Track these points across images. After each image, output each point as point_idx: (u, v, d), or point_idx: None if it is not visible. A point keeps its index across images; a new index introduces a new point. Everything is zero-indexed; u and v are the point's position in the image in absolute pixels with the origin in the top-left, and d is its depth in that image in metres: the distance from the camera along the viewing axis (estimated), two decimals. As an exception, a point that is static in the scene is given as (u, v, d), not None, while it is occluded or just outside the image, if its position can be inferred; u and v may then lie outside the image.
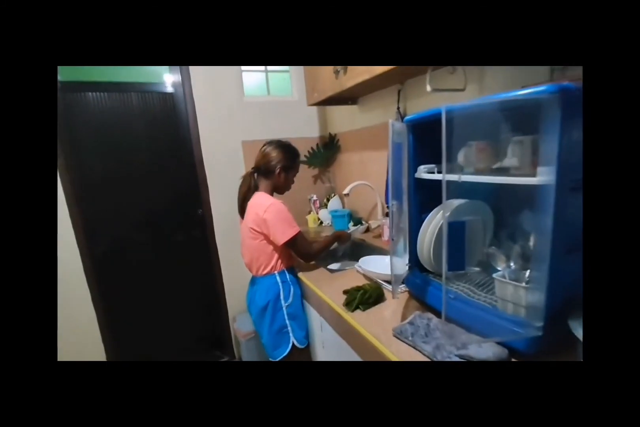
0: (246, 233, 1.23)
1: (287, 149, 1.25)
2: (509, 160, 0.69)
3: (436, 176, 0.86)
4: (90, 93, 1.63)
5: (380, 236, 1.68)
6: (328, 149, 2.16)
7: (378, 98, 1.65)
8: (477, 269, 0.88)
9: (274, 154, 1.22)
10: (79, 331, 1.75)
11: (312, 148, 2.16)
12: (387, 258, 1.29)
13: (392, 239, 0.88)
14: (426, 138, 0.98)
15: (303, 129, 2.17)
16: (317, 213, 2.14)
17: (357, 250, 1.70)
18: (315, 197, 2.18)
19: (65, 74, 1.58)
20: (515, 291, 0.71)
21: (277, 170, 1.22)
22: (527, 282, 0.70)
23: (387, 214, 1.59)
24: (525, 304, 0.69)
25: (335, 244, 1.42)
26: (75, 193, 1.65)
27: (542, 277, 0.62)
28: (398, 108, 1.45)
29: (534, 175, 0.63)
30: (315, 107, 2.14)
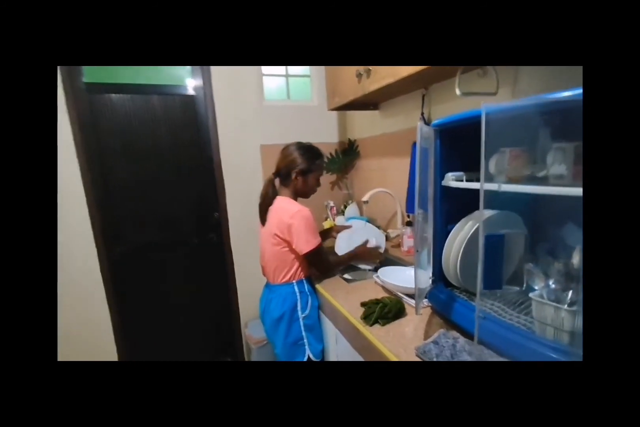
0: (267, 239, 1.19)
1: (305, 151, 1.19)
2: (557, 168, 0.63)
3: (472, 185, 0.79)
4: (114, 95, 1.66)
5: (399, 245, 1.61)
6: (347, 155, 2.12)
7: (400, 103, 1.60)
8: (516, 288, 0.80)
9: (292, 157, 1.18)
10: (91, 330, 1.75)
11: (330, 154, 2.12)
12: (407, 269, 1.23)
13: (417, 251, 0.82)
14: (454, 144, 0.92)
15: (322, 134, 2.14)
16: (334, 220, 2.09)
17: (375, 259, 1.64)
18: (332, 204, 2.13)
19: (90, 75, 1.61)
20: (557, 313, 0.64)
21: (294, 175, 1.18)
22: (569, 304, 0.63)
23: (407, 223, 1.53)
24: (569, 329, 0.61)
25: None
26: (95, 194, 1.67)
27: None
28: (422, 114, 1.39)
29: (578, 185, 0.57)
30: (335, 113, 2.11)
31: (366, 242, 1.36)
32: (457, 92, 0.97)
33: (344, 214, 2.07)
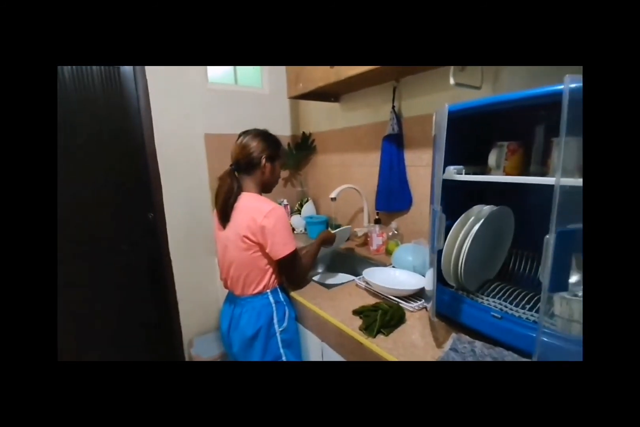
0: (234, 243, 0.98)
1: (267, 137, 1.07)
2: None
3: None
4: None
5: (365, 244, 1.55)
6: (301, 150, 1.98)
7: (365, 96, 1.54)
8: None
9: (254, 143, 1.02)
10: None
11: (283, 147, 1.96)
12: (391, 271, 1.16)
13: (432, 251, 0.74)
14: (455, 135, 0.88)
15: (273, 126, 1.91)
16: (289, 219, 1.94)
17: (340, 260, 1.55)
18: (285, 202, 1.97)
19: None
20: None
21: (263, 161, 1.02)
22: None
23: (376, 221, 1.47)
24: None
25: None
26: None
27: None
28: (393, 107, 1.35)
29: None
30: (287, 103, 1.96)
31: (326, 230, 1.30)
32: (451, 81, 0.93)
33: (300, 213, 1.94)
